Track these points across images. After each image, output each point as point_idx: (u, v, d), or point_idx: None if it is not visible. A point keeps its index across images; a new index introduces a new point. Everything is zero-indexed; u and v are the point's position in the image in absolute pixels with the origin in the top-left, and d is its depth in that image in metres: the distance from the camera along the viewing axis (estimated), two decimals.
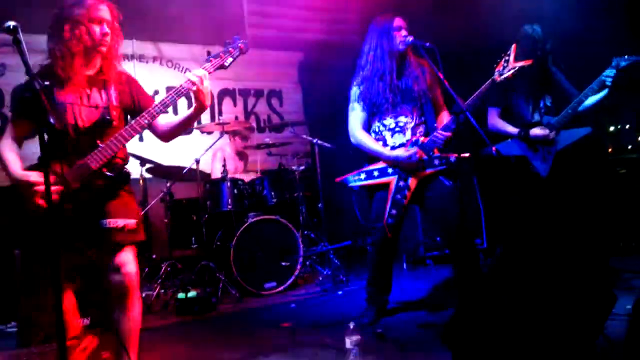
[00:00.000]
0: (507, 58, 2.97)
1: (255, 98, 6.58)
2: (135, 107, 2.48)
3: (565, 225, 3.60)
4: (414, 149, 3.15)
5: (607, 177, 4.79)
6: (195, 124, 5.90)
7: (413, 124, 3.24)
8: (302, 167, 5.13)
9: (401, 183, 3.19)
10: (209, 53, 5.74)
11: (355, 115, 3.29)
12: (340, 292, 4.28)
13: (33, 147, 2.01)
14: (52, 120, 1.77)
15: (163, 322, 3.81)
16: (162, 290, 4.43)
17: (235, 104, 6.44)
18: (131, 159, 3.63)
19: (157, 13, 5.40)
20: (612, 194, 4.55)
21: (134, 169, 2.47)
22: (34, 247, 2.31)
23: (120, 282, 2.30)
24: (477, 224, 5.05)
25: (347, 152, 3.98)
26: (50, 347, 3.21)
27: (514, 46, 2.98)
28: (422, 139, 3.19)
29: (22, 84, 1.91)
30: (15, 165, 2.24)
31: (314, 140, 5.01)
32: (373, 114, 3.28)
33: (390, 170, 3.21)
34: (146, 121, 2.33)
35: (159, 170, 4.95)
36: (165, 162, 5.04)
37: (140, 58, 5.77)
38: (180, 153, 5.41)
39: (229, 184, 4.63)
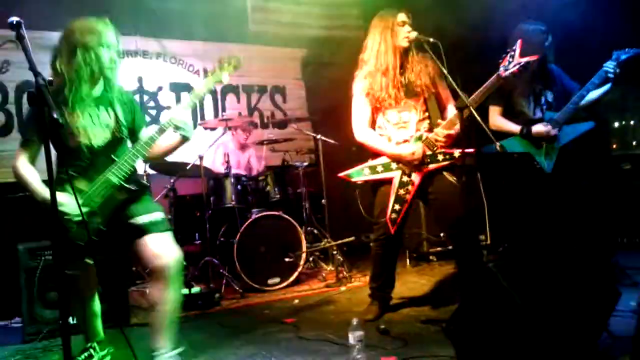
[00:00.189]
0: (512, 53, 2.94)
1: (258, 94, 6.58)
2: (134, 125, 2.64)
3: (569, 221, 3.59)
4: (417, 145, 3.14)
5: (611, 173, 4.77)
6: (199, 120, 5.92)
7: (417, 118, 3.23)
8: (305, 163, 5.14)
9: (405, 178, 3.18)
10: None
11: (359, 110, 3.28)
12: (343, 288, 4.28)
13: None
14: (55, 115, 1.78)
15: None
16: None
17: (238, 101, 6.43)
18: None
19: (161, 9, 5.40)
20: (616, 190, 4.54)
21: (138, 166, 2.53)
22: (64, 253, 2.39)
23: (159, 263, 2.43)
24: (480, 220, 5.04)
25: (350, 148, 3.98)
26: (55, 343, 3.25)
27: (519, 41, 2.96)
28: (426, 134, 3.18)
29: (30, 111, 2.03)
30: (39, 186, 2.36)
31: (318, 136, 5.01)
32: (377, 109, 3.27)
33: (393, 166, 3.21)
34: (158, 135, 2.50)
35: (162, 167, 4.95)
36: (169, 158, 5.03)
37: (144, 54, 5.76)
38: (184, 149, 5.40)
39: (232, 179, 4.63)
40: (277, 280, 4.45)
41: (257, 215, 4.52)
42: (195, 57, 6.07)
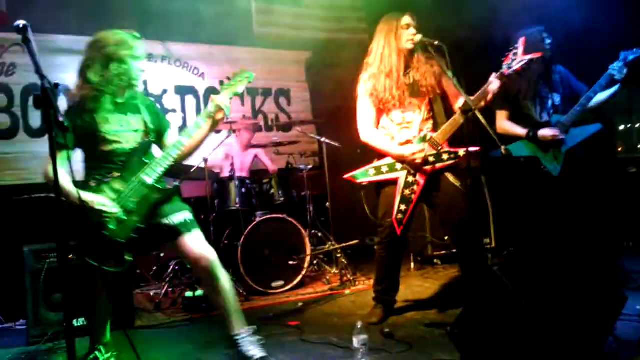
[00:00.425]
0: (515, 51, 2.94)
1: (263, 97, 6.58)
2: (160, 128, 2.77)
3: (575, 224, 3.58)
4: (421, 145, 3.13)
5: (617, 176, 4.75)
6: None
7: (421, 119, 3.23)
8: (309, 166, 5.15)
9: (410, 179, 3.18)
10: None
11: (364, 111, 3.28)
12: (347, 291, 4.27)
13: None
14: (60, 118, 1.80)
15: (171, 320, 3.81)
16: (170, 289, 4.45)
17: (243, 103, 6.44)
18: None
19: (165, 12, 5.42)
20: (622, 193, 4.52)
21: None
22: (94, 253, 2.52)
23: (202, 265, 2.59)
24: (485, 223, 5.03)
25: (354, 151, 3.98)
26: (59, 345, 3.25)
27: (522, 39, 2.95)
28: (430, 134, 3.18)
29: (64, 113, 2.11)
30: (73, 189, 2.41)
31: (322, 139, 5.02)
32: (381, 110, 3.27)
33: (398, 166, 3.20)
34: (186, 139, 2.63)
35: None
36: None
37: (149, 57, 5.78)
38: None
39: (236, 182, 4.64)
40: (281, 283, 4.45)
41: (261, 218, 4.52)
42: (200, 60, 6.09)
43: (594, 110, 3.60)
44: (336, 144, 5.00)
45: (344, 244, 4.74)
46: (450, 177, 3.21)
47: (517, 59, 2.94)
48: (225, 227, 4.81)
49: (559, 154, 3.57)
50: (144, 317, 3.86)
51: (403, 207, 3.17)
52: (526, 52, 2.92)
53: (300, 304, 4.01)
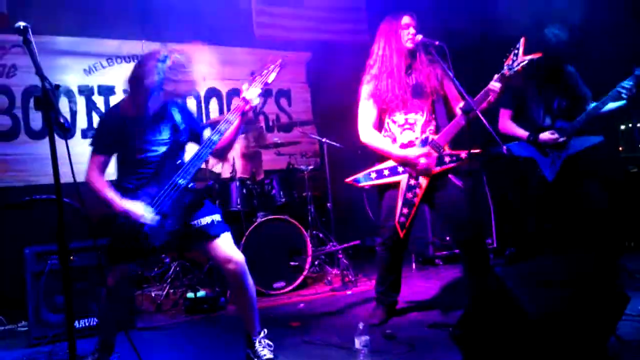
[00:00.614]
0: (516, 52, 2.94)
1: (263, 98, 6.57)
2: (193, 127, 2.83)
3: (576, 225, 3.57)
4: (424, 149, 3.12)
5: (618, 175, 4.75)
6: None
7: (423, 120, 3.22)
8: (310, 167, 5.13)
9: (412, 181, 3.17)
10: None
11: (365, 112, 3.27)
12: (349, 292, 4.27)
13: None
14: (61, 119, 1.80)
15: (173, 321, 3.81)
16: (172, 290, 4.45)
17: None
18: None
19: (166, 14, 5.42)
20: (624, 193, 4.51)
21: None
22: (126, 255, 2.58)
23: (230, 267, 2.64)
24: (487, 223, 5.02)
25: (355, 152, 3.97)
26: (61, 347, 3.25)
27: (522, 40, 2.95)
28: (432, 136, 3.17)
29: (105, 114, 2.12)
30: (116, 198, 2.50)
31: (323, 140, 5.01)
32: (383, 111, 3.26)
33: (400, 169, 3.19)
34: (217, 137, 2.67)
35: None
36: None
37: None
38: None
39: (237, 183, 4.64)
40: (282, 284, 4.44)
41: (262, 219, 4.52)
42: (200, 61, 6.07)
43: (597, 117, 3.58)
44: (337, 145, 4.99)
45: (345, 245, 4.74)
46: (451, 177, 3.20)
47: (518, 59, 2.93)
48: None
49: (557, 159, 3.56)
50: (145, 318, 3.86)
51: (405, 210, 3.17)
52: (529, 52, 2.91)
53: (301, 305, 4.01)
